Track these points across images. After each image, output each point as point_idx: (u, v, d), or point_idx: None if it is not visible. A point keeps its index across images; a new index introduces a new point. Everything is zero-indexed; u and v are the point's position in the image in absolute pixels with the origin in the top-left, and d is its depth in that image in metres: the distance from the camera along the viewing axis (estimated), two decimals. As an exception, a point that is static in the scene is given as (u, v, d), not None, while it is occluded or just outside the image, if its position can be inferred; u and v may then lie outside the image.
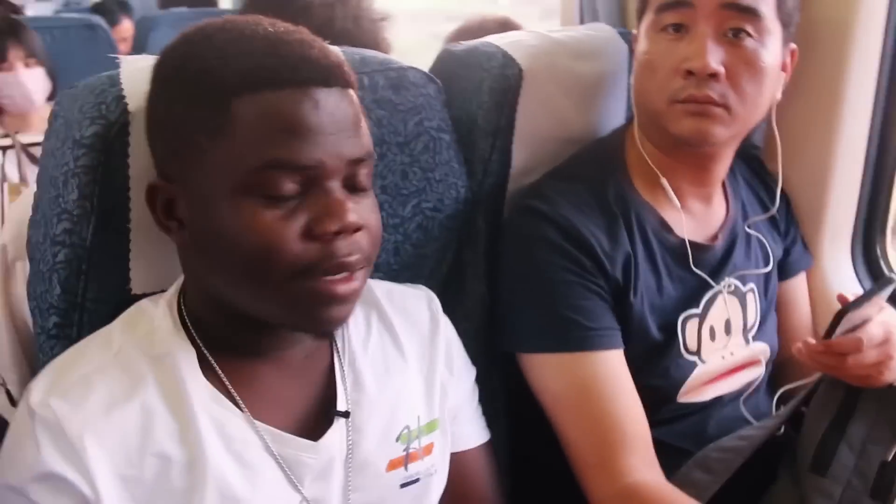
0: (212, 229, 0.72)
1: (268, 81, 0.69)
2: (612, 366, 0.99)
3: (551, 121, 1.15)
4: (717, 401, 1.11)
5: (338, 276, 0.72)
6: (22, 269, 1.02)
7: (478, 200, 1.11)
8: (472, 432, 0.97)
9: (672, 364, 1.06)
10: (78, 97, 0.84)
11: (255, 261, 0.70)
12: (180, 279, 0.81)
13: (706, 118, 0.99)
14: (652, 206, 1.07)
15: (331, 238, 0.70)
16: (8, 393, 1.09)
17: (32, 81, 2.25)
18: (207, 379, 0.76)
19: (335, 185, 0.71)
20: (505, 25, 1.75)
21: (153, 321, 0.78)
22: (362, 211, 0.74)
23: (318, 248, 0.70)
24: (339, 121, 0.71)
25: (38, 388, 0.72)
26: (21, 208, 1.04)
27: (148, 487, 0.71)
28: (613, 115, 1.21)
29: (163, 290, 0.86)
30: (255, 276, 0.72)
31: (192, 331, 0.77)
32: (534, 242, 1.02)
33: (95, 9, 3.83)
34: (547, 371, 1.01)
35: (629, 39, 1.22)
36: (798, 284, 1.28)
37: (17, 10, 2.89)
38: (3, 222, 1.65)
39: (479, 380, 1.02)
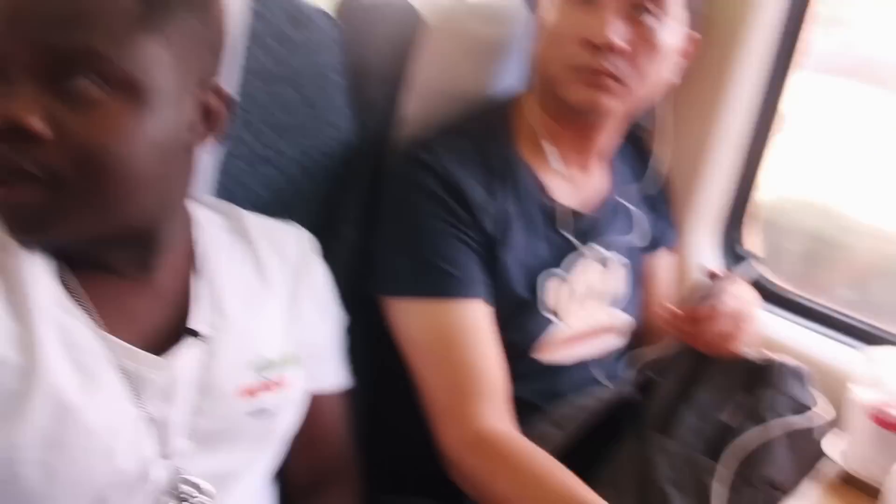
0: None
1: None
2: (473, 315, 1.02)
3: (447, 77, 1.17)
4: (575, 361, 1.16)
5: (3, 183, 0.66)
6: None
7: (362, 146, 1.12)
8: (333, 375, 0.98)
9: (530, 320, 1.10)
10: None
11: None
12: None
13: (600, 89, 1.03)
14: (532, 168, 1.11)
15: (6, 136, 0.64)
16: None
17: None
18: (61, 285, 0.74)
19: (20, 80, 0.65)
20: None
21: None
22: (69, 122, 0.66)
23: None
24: (37, 5, 0.65)
25: None
26: None
27: None
28: (509, 80, 1.23)
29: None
30: None
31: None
32: (412, 189, 1.04)
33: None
34: (409, 316, 1.04)
35: (532, 5, 1.26)
36: (661, 260, 1.35)
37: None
38: None
39: (352, 325, 1.03)
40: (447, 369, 1.01)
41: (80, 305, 0.74)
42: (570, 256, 1.14)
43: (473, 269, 1.04)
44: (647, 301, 1.31)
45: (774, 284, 1.41)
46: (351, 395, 1.02)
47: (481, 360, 1.01)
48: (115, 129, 0.67)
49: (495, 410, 1.00)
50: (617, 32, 1.01)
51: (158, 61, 0.69)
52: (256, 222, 0.91)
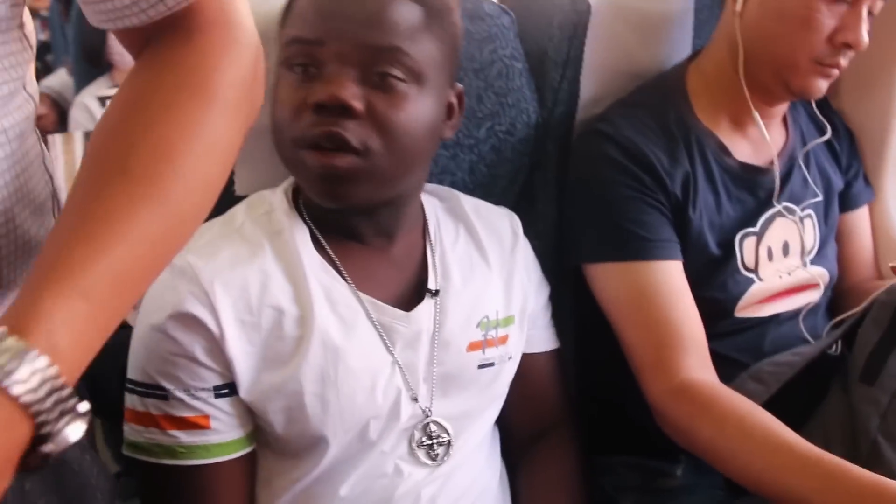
0: None
1: None
2: (669, 275, 1.06)
3: (618, 55, 1.22)
4: (774, 318, 1.17)
5: (323, 150, 0.81)
6: None
7: (548, 126, 1.19)
8: (545, 338, 1.09)
9: (730, 279, 1.13)
10: None
11: (274, 125, 0.85)
12: None
13: (828, 79, 1.10)
14: (711, 130, 1.14)
15: (320, 110, 0.80)
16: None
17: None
18: (318, 254, 0.89)
19: (342, 68, 0.81)
20: None
21: (272, 204, 0.92)
22: (379, 104, 0.82)
23: (311, 119, 0.81)
24: (355, 10, 0.81)
25: None
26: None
27: (264, 333, 0.85)
28: (678, 51, 1.26)
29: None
30: (278, 145, 0.86)
31: (305, 214, 0.91)
32: (598, 161, 1.10)
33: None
34: (609, 280, 1.09)
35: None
36: (859, 217, 1.32)
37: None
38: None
39: (552, 292, 1.11)
40: (650, 325, 1.05)
41: (337, 270, 0.89)
42: (763, 214, 1.15)
43: (665, 231, 1.08)
44: (847, 258, 1.30)
45: None
46: (561, 355, 1.11)
47: (680, 315, 1.05)
48: (410, 110, 0.83)
49: (698, 361, 1.03)
50: (863, 33, 1.05)
51: (435, 58, 0.86)
52: (473, 205, 1.04)
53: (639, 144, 1.08)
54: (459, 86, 0.94)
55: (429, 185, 1.04)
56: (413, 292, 0.94)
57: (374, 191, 0.85)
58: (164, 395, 0.84)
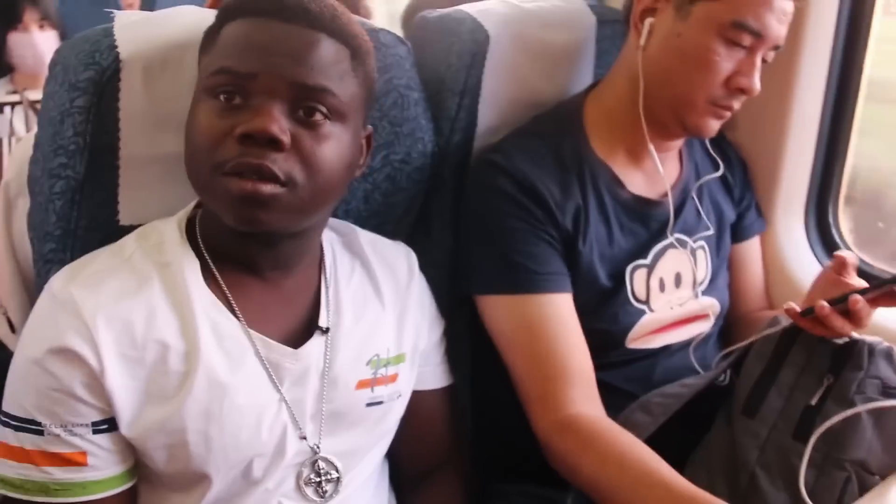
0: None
1: (244, 12, 0.84)
2: (557, 308, 1.08)
3: (517, 84, 1.23)
4: (666, 349, 1.20)
5: (247, 176, 0.80)
6: (23, 205, 1.11)
7: (445, 155, 1.19)
8: (437, 375, 1.08)
9: (620, 310, 1.14)
10: (75, 46, 0.93)
11: (191, 150, 0.84)
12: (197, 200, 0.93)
13: (720, 120, 1.13)
14: (606, 163, 1.15)
15: (245, 140, 0.79)
16: (8, 320, 1.19)
17: (45, 43, 2.34)
18: (209, 287, 0.87)
19: (272, 103, 0.80)
20: None
21: (163, 234, 0.90)
22: (304, 139, 0.82)
23: (234, 149, 0.80)
24: (287, 48, 0.81)
25: (59, 278, 0.85)
26: (23, 149, 1.13)
27: (148, 368, 0.83)
28: (578, 81, 1.28)
29: (147, 223, 0.96)
30: (193, 169, 0.84)
31: (200, 244, 0.89)
32: (490, 192, 1.10)
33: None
34: (498, 311, 1.10)
35: (598, 12, 1.30)
36: (751, 247, 1.36)
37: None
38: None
39: (446, 322, 1.11)
40: (536, 359, 1.07)
41: (227, 304, 0.88)
42: (654, 246, 1.18)
43: (554, 264, 1.09)
44: (739, 288, 1.34)
45: (873, 267, 1.39)
46: (454, 390, 1.11)
47: (567, 348, 1.06)
48: (333, 147, 0.84)
49: (584, 395, 1.05)
50: (756, 80, 1.08)
51: (356, 99, 0.87)
52: (370, 240, 1.04)
53: (531, 177, 1.09)
54: (370, 128, 0.95)
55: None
56: (304, 328, 0.93)
57: (290, 220, 0.85)
58: (39, 430, 0.82)
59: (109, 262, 0.87)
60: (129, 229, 0.96)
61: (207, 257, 0.89)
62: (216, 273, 0.89)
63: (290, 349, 0.90)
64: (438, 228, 1.21)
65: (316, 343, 0.92)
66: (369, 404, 0.96)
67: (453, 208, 1.20)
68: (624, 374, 1.16)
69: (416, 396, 1.04)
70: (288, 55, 0.81)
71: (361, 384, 0.95)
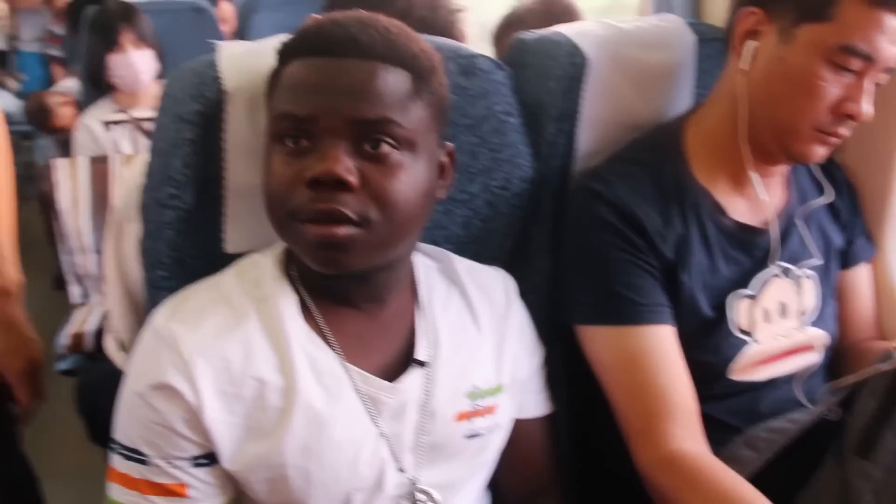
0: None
1: (298, 53, 0.83)
2: (659, 340, 1.05)
3: (616, 108, 1.21)
4: (771, 382, 1.15)
5: (323, 221, 0.79)
6: (130, 230, 1.14)
7: (544, 180, 1.17)
8: (536, 403, 1.07)
9: (723, 341, 1.11)
10: (182, 78, 0.95)
11: (266, 197, 0.84)
12: None
13: (828, 147, 1.07)
14: (707, 189, 1.12)
15: (315, 185, 0.79)
16: (117, 341, 1.22)
17: (141, 62, 2.41)
18: (306, 321, 0.88)
19: (335, 142, 0.79)
20: (549, 9, 1.81)
21: (261, 269, 0.91)
22: (373, 175, 0.80)
23: (305, 194, 0.79)
24: (343, 85, 0.80)
25: (161, 314, 0.87)
26: (132, 175, 1.17)
27: (247, 404, 0.84)
28: (678, 104, 1.25)
29: (253, 251, 0.98)
30: (271, 215, 0.84)
31: (297, 279, 0.90)
32: (590, 221, 1.08)
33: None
34: (599, 343, 1.08)
35: (699, 30, 1.27)
36: (860, 274, 1.30)
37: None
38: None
39: (545, 348, 1.09)
40: (638, 392, 1.04)
41: (324, 337, 0.88)
42: (758, 275, 1.13)
43: (656, 295, 1.06)
44: (848, 316, 1.28)
45: None
46: (553, 418, 1.09)
47: (670, 382, 1.04)
48: (405, 178, 0.82)
49: (687, 431, 1.02)
50: (867, 105, 1.03)
51: (424, 122, 0.84)
52: (467, 267, 1.02)
53: (631, 205, 1.07)
54: (450, 144, 0.93)
55: (421, 245, 1.03)
56: (401, 360, 0.93)
57: (372, 258, 0.84)
58: (143, 459, 0.85)
59: (209, 296, 0.88)
60: (236, 257, 0.97)
61: (303, 291, 0.89)
62: (312, 306, 0.89)
63: (387, 383, 0.89)
64: (537, 254, 1.20)
65: (414, 376, 0.91)
66: (468, 436, 0.95)
67: (552, 234, 1.18)
68: (727, 407, 1.13)
69: (516, 425, 1.03)
70: (344, 92, 0.80)
71: (461, 416, 0.94)
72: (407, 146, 0.82)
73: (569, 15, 1.86)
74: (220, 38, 2.67)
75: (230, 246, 0.98)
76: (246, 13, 2.84)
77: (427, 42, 1.03)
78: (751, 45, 1.07)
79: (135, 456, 0.85)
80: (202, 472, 0.85)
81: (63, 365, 1.90)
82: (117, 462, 0.86)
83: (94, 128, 2.42)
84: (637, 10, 1.72)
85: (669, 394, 1.03)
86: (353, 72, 0.80)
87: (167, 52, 2.51)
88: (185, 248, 0.96)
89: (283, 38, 0.94)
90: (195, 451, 0.84)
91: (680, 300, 1.08)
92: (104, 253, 1.23)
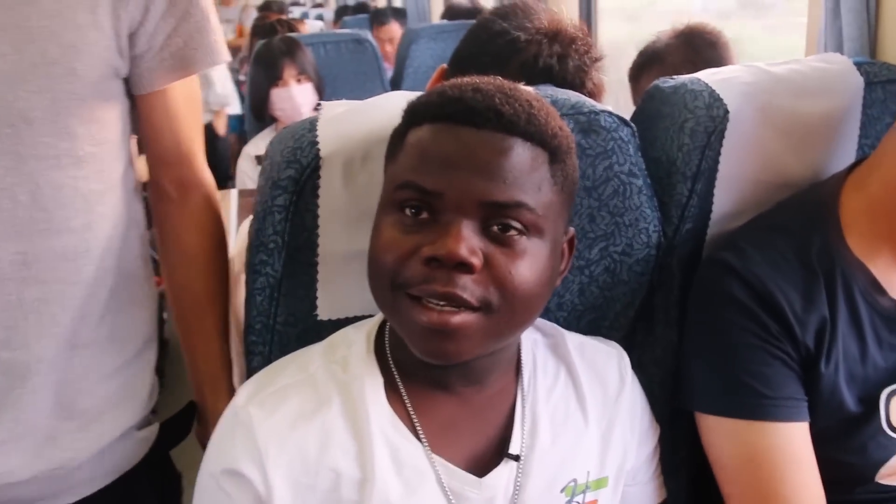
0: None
1: (431, 117, 0.77)
2: (788, 439, 0.92)
3: (761, 164, 1.07)
4: None
5: (435, 304, 0.73)
6: (242, 281, 1.14)
7: (673, 245, 1.07)
8: (646, 494, 0.97)
9: (871, 441, 0.96)
10: (282, 141, 0.93)
11: (374, 265, 0.78)
12: None
13: None
14: (864, 264, 0.97)
15: (435, 264, 0.73)
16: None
17: (302, 96, 2.50)
18: (392, 405, 0.82)
19: (462, 221, 0.73)
20: (691, 42, 1.66)
21: (350, 346, 0.86)
22: (498, 258, 0.74)
23: (420, 270, 0.74)
24: (478, 160, 0.74)
25: (243, 392, 0.84)
26: (248, 224, 1.17)
27: (319, 495, 0.80)
28: (839, 160, 1.10)
29: (346, 318, 0.94)
30: (375, 284, 0.78)
31: (389, 358, 0.85)
32: (719, 299, 0.96)
33: (373, 12, 4.23)
34: (718, 435, 0.96)
35: (868, 71, 1.11)
36: None
37: (294, 28, 3.21)
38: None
39: (664, 428, 1.00)
40: (758, 496, 0.92)
41: (410, 424, 0.82)
42: None
43: (789, 388, 0.93)
44: None
45: None
46: (672, 498, 1.00)
47: (798, 490, 0.91)
48: (530, 265, 0.76)
49: None
50: None
51: (555, 207, 0.79)
52: (578, 343, 0.94)
53: (768, 284, 0.94)
54: (572, 230, 0.86)
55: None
56: (494, 450, 0.85)
57: (484, 346, 0.78)
58: None
59: (294, 376, 0.85)
60: (328, 324, 0.94)
61: (394, 371, 0.84)
62: (402, 388, 0.83)
63: (474, 478, 0.82)
64: (663, 325, 1.09)
65: (505, 470, 0.84)
66: None
67: (681, 304, 1.07)
68: (873, 515, 0.97)
69: None
70: (478, 169, 0.73)
71: None
72: (535, 232, 0.76)
73: (715, 49, 1.70)
74: (380, 67, 2.71)
75: (323, 313, 0.95)
76: (407, 42, 2.86)
77: (544, 97, 0.96)
78: None
79: None
80: None
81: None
82: None
83: (255, 158, 2.52)
84: (806, 49, 1.55)
85: (795, 501, 0.90)
86: (491, 147, 0.74)
87: (329, 82, 2.57)
88: (274, 315, 0.94)
89: (395, 97, 0.89)
90: None
91: (818, 395, 0.94)
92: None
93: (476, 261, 0.73)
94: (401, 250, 0.75)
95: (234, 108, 3.88)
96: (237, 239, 1.22)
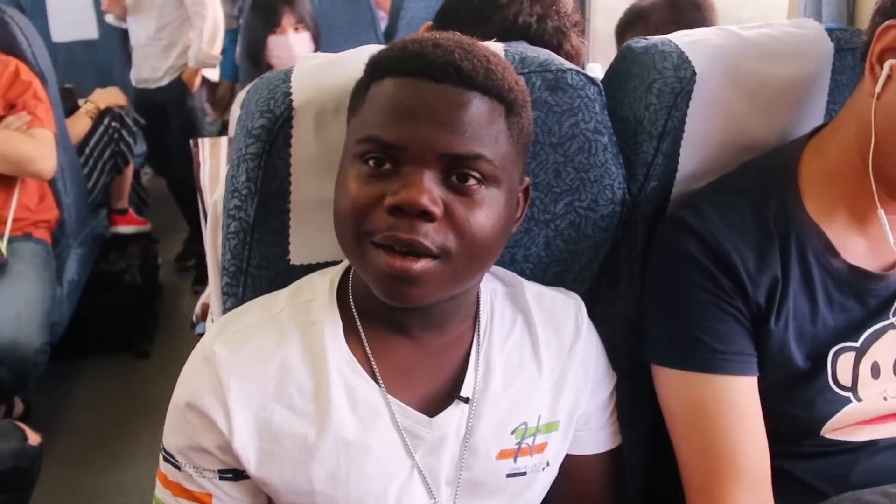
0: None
1: (392, 71, 0.80)
2: (737, 392, 0.96)
3: (727, 126, 1.10)
4: (871, 444, 1.02)
5: (398, 251, 0.76)
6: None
7: (638, 202, 1.10)
8: (599, 439, 1.01)
9: (818, 397, 1.00)
10: (257, 91, 0.96)
11: (339, 215, 0.81)
12: None
13: None
14: (819, 226, 1.00)
15: (395, 212, 0.76)
16: (212, 321, 1.28)
17: (299, 44, 2.51)
18: (351, 348, 0.87)
19: (423, 172, 0.76)
20: (674, 1, 1.67)
21: (315, 291, 0.90)
22: (457, 207, 0.77)
23: (383, 219, 0.77)
24: (438, 114, 0.76)
25: (211, 330, 0.89)
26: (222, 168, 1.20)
27: (276, 429, 0.84)
28: (804, 124, 1.13)
29: (317, 263, 0.98)
30: (341, 234, 0.82)
31: (352, 303, 0.89)
32: (676, 256, 1.00)
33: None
34: (669, 386, 1.00)
35: (839, 38, 1.13)
36: None
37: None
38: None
39: (623, 380, 1.04)
40: (702, 447, 0.96)
41: (368, 366, 0.86)
42: (870, 327, 1.01)
43: (739, 343, 0.97)
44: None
45: None
46: (619, 453, 1.03)
47: (741, 442, 0.94)
48: (488, 213, 0.79)
49: (752, 496, 0.93)
50: None
51: (511, 158, 0.82)
52: (536, 293, 0.97)
53: (724, 243, 0.97)
54: (527, 180, 0.90)
55: (494, 268, 0.99)
56: (447, 393, 0.89)
57: (443, 291, 0.81)
58: (177, 465, 0.88)
59: (259, 316, 0.89)
60: (300, 269, 0.98)
61: (356, 316, 0.88)
62: (362, 333, 0.87)
63: (426, 417, 0.87)
64: (626, 280, 1.13)
65: (455, 411, 0.88)
66: (510, 475, 0.91)
67: (643, 260, 1.10)
68: (815, 469, 1.01)
69: (572, 460, 0.98)
70: (438, 122, 0.76)
71: (503, 454, 0.90)
72: (493, 181, 0.79)
73: (698, 10, 1.72)
74: (375, 18, 2.71)
75: (295, 258, 0.99)
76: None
77: (513, 54, 0.98)
78: (888, 63, 0.93)
79: (171, 460, 0.88)
80: (228, 486, 0.87)
81: (198, 329, 2.03)
82: (160, 460, 0.90)
83: (247, 103, 2.54)
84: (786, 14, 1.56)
85: (738, 454, 0.93)
86: (451, 100, 0.77)
87: (323, 32, 2.58)
88: (247, 258, 0.98)
89: (369, 51, 0.91)
90: (221, 466, 0.86)
91: (767, 351, 0.98)
92: (205, 239, 1.27)
93: (437, 209, 0.76)
94: (365, 200, 0.78)
95: (213, 74, 3.84)
96: (221, 185, 1.25)
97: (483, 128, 0.78)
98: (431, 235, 0.76)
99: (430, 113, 0.77)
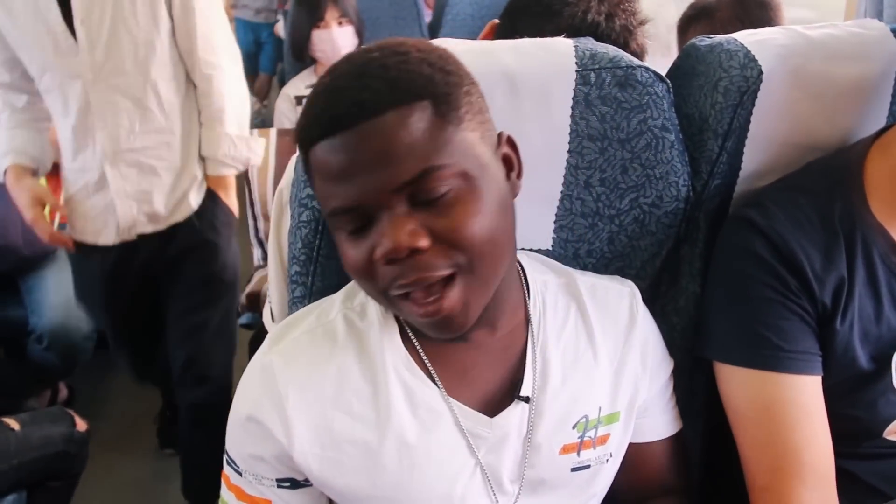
0: None
1: (314, 137, 0.77)
2: (800, 391, 0.96)
3: (792, 126, 1.10)
4: None
5: (420, 296, 0.77)
6: (287, 212, 1.20)
7: (701, 200, 1.11)
8: (659, 425, 1.01)
9: (881, 398, 1.00)
10: None
11: (352, 277, 0.82)
12: None
13: None
14: (885, 228, 1.00)
15: (392, 262, 0.75)
16: (270, 311, 1.30)
17: (342, 38, 2.52)
18: (408, 352, 0.87)
19: (391, 214, 0.75)
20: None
21: (367, 296, 0.89)
22: (439, 224, 0.75)
23: (387, 272, 0.77)
24: (368, 157, 0.74)
25: (269, 339, 0.89)
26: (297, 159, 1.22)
27: (336, 437, 0.85)
28: (869, 124, 1.12)
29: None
30: (365, 291, 0.83)
31: None
32: (741, 254, 1.00)
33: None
34: (733, 383, 1.00)
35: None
36: None
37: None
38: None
39: (681, 376, 1.05)
40: (767, 444, 0.96)
41: (426, 369, 0.86)
42: None
43: (804, 342, 0.97)
44: None
45: None
46: (679, 438, 1.04)
47: (805, 439, 0.94)
48: (470, 210, 0.76)
49: (817, 495, 0.93)
50: None
51: (468, 141, 0.78)
52: (589, 284, 0.97)
53: (790, 242, 0.97)
54: (505, 134, 0.85)
55: (542, 258, 1.00)
56: (506, 392, 0.89)
57: (483, 297, 0.81)
58: (238, 471, 0.89)
59: (314, 324, 0.89)
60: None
61: (406, 322, 0.88)
62: (413, 339, 0.88)
63: (486, 418, 0.87)
64: (687, 276, 1.13)
65: (516, 411, 0.88)
66: (575, 469, 0.91)
67: (705, 257, 1.11)
68: (875, 469, 1.02)
69: (634, 449, 0.98)
70: (373, 165, 0.74)
71: (566, 448, 0.90)
72: (459, 177, 0.76)
73: (764, 9, 1.71)
74: (420, 13, 2.72)
75: None
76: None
77: (583, 49, 0.99)
78: None
79: (233, 465, 0.90)
80: (286, 494, 0.88)
81: (242, 320, 2.05)
82: (224, 463, 0.91)
83: (292, 97, 2.56)
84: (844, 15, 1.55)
85: (802, 452, 0.94)
86: (370, 138, 0.73)
87: (367, 25, 2.59)
88: (318, 247, 0.99)
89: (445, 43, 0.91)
90: (280, 476, 0.87)
91: (832, 350, 0.98)
92: (270, 228, 1.29)
93: (421, 240, 0.74)
94: (362, 263, 0.78)
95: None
96: (288, 169, 1.27)
97: (417, 139, 0.74)
98: (433, 262, 0.76)
99: (361, 161, 0.74)
